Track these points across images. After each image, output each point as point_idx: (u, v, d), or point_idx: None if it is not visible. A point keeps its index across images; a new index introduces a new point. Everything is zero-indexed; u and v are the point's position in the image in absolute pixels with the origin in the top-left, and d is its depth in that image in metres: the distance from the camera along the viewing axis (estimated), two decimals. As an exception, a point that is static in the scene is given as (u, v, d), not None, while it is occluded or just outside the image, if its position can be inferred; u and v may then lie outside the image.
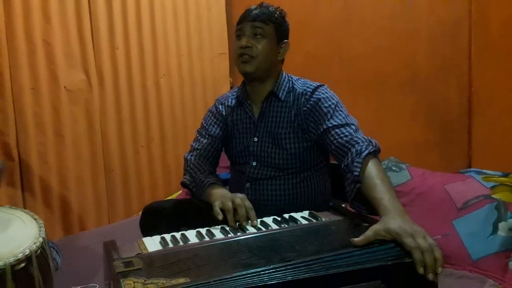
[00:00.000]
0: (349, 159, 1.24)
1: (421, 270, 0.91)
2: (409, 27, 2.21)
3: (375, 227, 1.01)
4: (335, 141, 1.32)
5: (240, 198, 1.27)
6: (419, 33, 2.18)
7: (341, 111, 1.38)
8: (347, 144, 1.28)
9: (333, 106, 1.39)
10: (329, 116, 1.37)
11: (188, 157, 1.55)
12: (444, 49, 2.11)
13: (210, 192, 1.35)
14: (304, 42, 2.51)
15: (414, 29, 2.19)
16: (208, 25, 2.86)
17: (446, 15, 2.09)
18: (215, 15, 2.90)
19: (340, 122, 1.34)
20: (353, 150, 1.24)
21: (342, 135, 1.31)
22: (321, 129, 1.37)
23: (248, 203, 1.26)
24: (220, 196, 1.29)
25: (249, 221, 1.23)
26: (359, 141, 1.27)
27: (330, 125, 1.35)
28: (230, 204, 1.24)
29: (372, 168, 1.18)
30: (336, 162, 1.35)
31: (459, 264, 1.67)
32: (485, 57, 1.99)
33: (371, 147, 1.23)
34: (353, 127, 1.33)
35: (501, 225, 1.68)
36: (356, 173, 1.18)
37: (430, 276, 0.91)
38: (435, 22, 2.13)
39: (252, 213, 1.25)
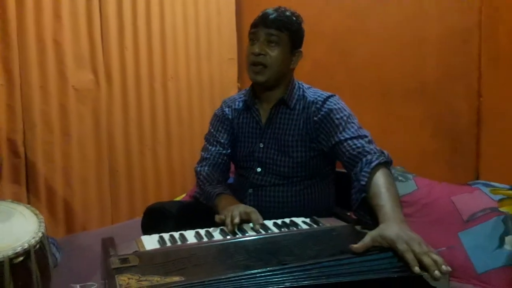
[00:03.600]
0: (358, 168, 1.24)
1: (416, 270, 0.88)
2: (418, 36, 2.19)
3: (372, 233, 1.00)
4: (347, 153, 1.31)
5: (239, 212, 1.24)
6: (427, 41, 2.16)
7: (353, 123, 1.37)
8: (359, 155, 1.28)
9: (345, 118, 1.37)
10: (341, 129, 1.35)
11: (198, 169, 1.54)
12: (453, 58, 2.09)
13: (217, 204, 1.37)
14: (310, 50, 2.48)
15: (423, 38, 2.17)
16: (217, 29, 2.87)
17: (456, 24, 2.06)
18: (225, 19, 2.90)
19: (352, 135, 1.33)
20: (364, 159, 1.24)
21: (354, 147, 1.30)
22: (333, 142, 1.36)
23: (250, 211, 1.26)
24: (222, 210, 1.30)
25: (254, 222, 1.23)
26: (371, 151, 1.27)
27: (342, 138, 1.34)
28: (228, 220, 1.22)
29: (380, 177, 1.18)
30: (343, 170, 1.35)
31: (463, 277, 1.64)
32: (495, 67, 1.96)
33: (382, 157, 1.23)
34: (366, 139, 1.32)
35: (508, 239, 1.65)
36: (363, 183, 1.18)
37: (437, 273, 0.87)
38: (444, 31, 2.11)
39: (255, 216, 1.24)
